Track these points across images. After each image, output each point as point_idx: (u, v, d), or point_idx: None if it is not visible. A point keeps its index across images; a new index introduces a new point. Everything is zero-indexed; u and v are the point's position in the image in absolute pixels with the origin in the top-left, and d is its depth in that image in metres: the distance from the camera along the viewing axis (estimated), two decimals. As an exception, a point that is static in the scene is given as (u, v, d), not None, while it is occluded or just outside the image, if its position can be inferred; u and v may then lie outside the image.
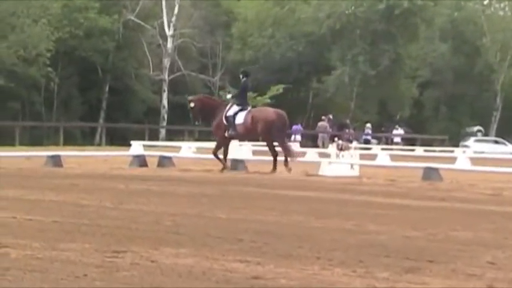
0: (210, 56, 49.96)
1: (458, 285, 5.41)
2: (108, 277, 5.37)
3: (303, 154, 23.13)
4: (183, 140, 38.14)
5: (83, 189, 12.27)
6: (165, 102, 46.63)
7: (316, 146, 36.15)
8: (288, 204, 10.63)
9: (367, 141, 43.16)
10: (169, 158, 20.38)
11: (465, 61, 54.76)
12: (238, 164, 18.90)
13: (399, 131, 46.57)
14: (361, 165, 18.66)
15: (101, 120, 45.65)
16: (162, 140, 41.93)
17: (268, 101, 44.09)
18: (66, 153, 21.85)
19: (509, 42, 53.07)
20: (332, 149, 19.04)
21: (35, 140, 38.42)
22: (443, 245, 7.11)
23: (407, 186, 14.82)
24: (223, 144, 18.70)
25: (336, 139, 23.04)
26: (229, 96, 20.01)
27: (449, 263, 6.11)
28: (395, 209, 10.45)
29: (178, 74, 47.42)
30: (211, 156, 18.85)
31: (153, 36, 47.24)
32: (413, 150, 34.46)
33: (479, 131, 51.28)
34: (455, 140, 48.10)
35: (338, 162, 18.16)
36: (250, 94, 43.88)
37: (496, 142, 46.52)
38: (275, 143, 18.42)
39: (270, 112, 18.58)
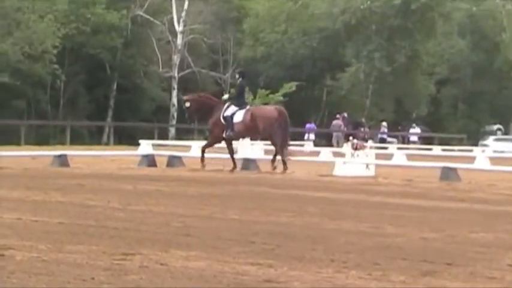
0: (221, 52, 49.68)
1: (476, 288, 5.34)
2: (116, 280, 5.30)
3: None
4: (193, 139, 38.52)
5: (90, 189, 12.32)
6: (174, 100, 46.26)
7: (331, 145, 36.14)
8: (301, 205, 10.57)
9: (382, 140, 43.01)
10: (179, 158, 20.33)
11: (484, 57, 54.19)
12: (250, 163, 18.87)
13: (416, 129, 46.50)
14: (376, 165, 18.66)
15: (109, 119, 45.42)
16: (172, 139, 41.90)
17: (281, 98, 44.19)
18: (73, 152, 21.83)
19: (529, 38, 52.42)
20: (347, 148, 18.98)
21: (41, 139, 38.24)
22: (462, 247, 7.05)
23: (424, 187, 14.83)
24: (216, 142, 18.74)
25: (350, 138, 22.74)
26: (226, 97, 19.88)
27: (468, 266, 6.06)
28: (412, 210, 10.41)
29: (188, 71, 47.14)
30: (223, 155, 18.88)
31: (162, 32, 46.95)
32: (430, 149, 34.30)
33: (498, 129, 50.94)
34: (474, 138, 47.70)
35: (353, 162, 18.15)
36: (263, 92, 44.63)
37: (517, 141, 46.00)
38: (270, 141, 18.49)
39: (271, 109, 18.70)
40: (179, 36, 46.71)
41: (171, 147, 29.27)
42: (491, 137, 46.35)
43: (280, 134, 18.01)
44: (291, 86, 45.63)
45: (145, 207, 9.87)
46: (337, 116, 41.55)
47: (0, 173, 16.03)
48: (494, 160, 21.72)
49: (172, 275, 5.49)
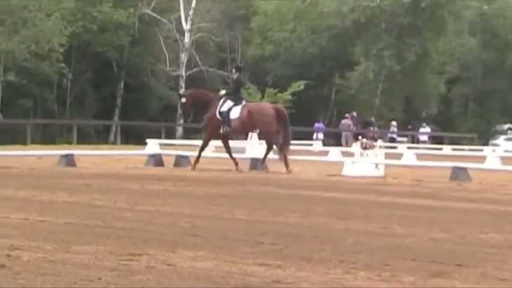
0: (229, 51, 49.53)
1: (487, 290, 5.30)
2: (123, 281, 5.31)
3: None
4: (200, 138, 37.58)
5: (96, 189, 12.29)
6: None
7: (340, 145, 35.86)
8: (310, 205, 10.55)
9: (392, 140, 42.74)
10: (187, 157, 20.01)
11: (495, 56, 53.98)
12: (257, 163, 18.61)
13: (426, 129, 46.30)
14: (386, 165, 18.52)
15: (116, 118, 45.23)
16: (179, 138, 41.74)
17: (289, 97, 44.13)
18: (80, 152, 21.73)
19: (541, 36, 52.22)
20: (356, 147, 18.90)
21: (47, 138, 38.16)
22: (472, 248, 7.01)
23: (434, 187, 14.77)
24: (211, 138, 18.56)
25: (360, 137, 22.49)
26: (223, 92, 19.60)
27: (478, 267, 6.03)
28: (422, 210, 10.36)
29: (195, 69, 46.93)
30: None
31: (169, 31, 46.71)
32: (440, 149, 34.13)
33: (509, 128, 50.77)
34: (485, 138, 47.60)
35: (362, 162, 18.04)
36: (271, 90, 44.36)
37: (528, 141, 46.06)
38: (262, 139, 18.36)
39: (268, 107, 18.63)
40: (187, 35, 46.49)
41: (179, 146, 28.99)
42: (502, 137, 46.66)
43: (283, 134, 17.82)
44: (299, 85, 45.45)
45: (152, 207, 9.88)
46: (346, 115, 41.34)
47: (6, 172, 16.04)
48: (505, 160, 21.65)
49: (179, 276, 5.50)
